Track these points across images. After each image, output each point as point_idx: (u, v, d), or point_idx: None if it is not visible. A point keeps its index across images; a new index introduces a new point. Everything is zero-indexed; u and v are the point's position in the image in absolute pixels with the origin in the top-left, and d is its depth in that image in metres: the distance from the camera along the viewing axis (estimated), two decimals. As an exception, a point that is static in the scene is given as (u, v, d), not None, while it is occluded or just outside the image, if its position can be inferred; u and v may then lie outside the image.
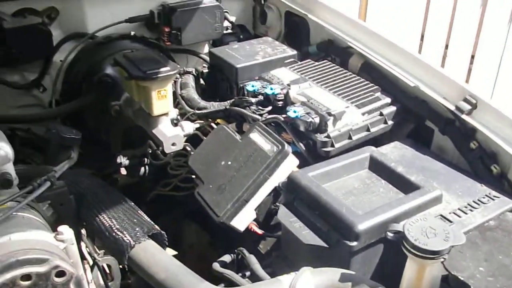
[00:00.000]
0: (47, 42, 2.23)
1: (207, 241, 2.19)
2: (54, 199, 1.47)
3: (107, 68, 2.13)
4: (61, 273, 1.19)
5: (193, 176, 1.93)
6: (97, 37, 2.31)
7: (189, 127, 1.91)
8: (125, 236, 1.43)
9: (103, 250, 1.58)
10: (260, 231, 1.65)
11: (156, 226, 1.51)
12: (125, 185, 2.23)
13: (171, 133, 1.85)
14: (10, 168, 1.44)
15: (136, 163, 2.20)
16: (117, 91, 2.09)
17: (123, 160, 2.16)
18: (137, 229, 1.46)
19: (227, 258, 1.63)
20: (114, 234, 1.45)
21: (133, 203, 1.59)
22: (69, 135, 1.67)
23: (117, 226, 1.46)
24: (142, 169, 2.22)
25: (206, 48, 2.58)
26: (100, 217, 1.51)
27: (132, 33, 2.30)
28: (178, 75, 2.10)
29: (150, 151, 2.16)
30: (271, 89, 1.87)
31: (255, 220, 1.66)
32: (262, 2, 2.52)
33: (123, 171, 2.21)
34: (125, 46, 2.24)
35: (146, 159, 2.20)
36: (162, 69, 1.79)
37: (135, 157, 2.20)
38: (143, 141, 2.15)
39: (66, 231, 1.31)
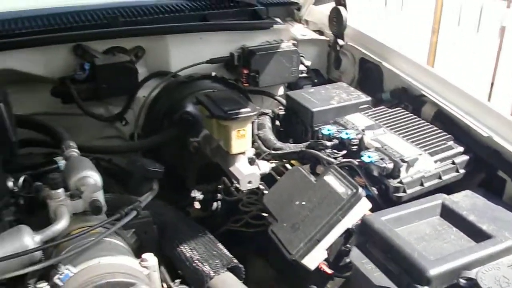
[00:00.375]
0: (133, 79, 2.38)
1: (274, 277, 2.23)
2: (138, 228, 1.57)
3: (188, 106, 2.24)
4: (145, 298, 1.27)
5: (264, 214, 2.01)
6: (179, 76, 2.43)
7: (265, 166, 1.97)
8: (205, 267, 1.50)
9: (179, 280, 1.65)
10: (329, 271, 1.68)
11: (235, 260, 1.57)
12: (197, 218, 2.30)
13: (248, 171, 1.92)
14: (100, 196, 1.54)
15: (209, 198, 2.29)
16: (196, 128, 2.18)
17: (197, 194, 2.25)
18: (216, 261, 1.53)
19: (295, 295, 1.68)
20: (194, 264, 1.52)
21: (212, 236, 1.67)
22: (153, 168, 1.76)
23: (198, 257, 1.54)
24: (215, 204, 2.31)
25: (281, 90, 2.67)
26: (181, 247, 1.59)
27: (213, 73, 2.40)
28: (256, 116, 2.16)
29: (223, 187, 2.23)
30: (347, 133, 1.92)
31: (325, 260, 1.69)
32: (338, 48, 2.59)
33: (197, 205, 2.29)
34: (206, 85, 2.35)
35: (219, 195, 2.28)
36: (243, 110, 1.87)
37: (208, 192, 2.29)
38: (217, 177, 2.22)
39: (150, 258, 1.39)
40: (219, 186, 2.26)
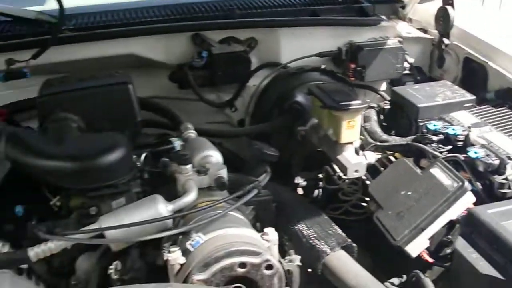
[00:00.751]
0: (246, 68, 2.54)
1: (369, 264, 2.32)
2: (258, 205, 1.71)
3: (298, 96, 2.36)
4: (269, 267, 1.39)
5: (363, 204, 2.12)
6: (290, 67, 2.56)
7: (372, 157, 2.06)
8: (322, 245, 1.62)
9: (289, 257, 1.78)
10: (430, 259, 1.76)
11: (348, 239, 1.68)
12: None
13: (355, 160, 2.01)
14: (224, 173, 1.68)
15: (311, 185, 2.39)
16: (304, 117, 2.29)
17: (300, 181, 2.36)
18: (332, 239, 1.65)
19: (395, 280, 1.77)
20: (311, 241, 1.65)
21: (327, 217, 1.78)
22: (268, 151, 1.89)
23: (314, 235, 1.66)
24: (316, 191, 2.41)
25: (383, 86, 2.75)
26: (298, 225, 1.72)
27: (323, 66, 2.51)
28: (363, 109, 2.25)
29: (325, 176, 2.33)
30: (453, 129, 1.98)
31: (427, 248, 1.76)
32: (442, 47, 2.63)
33: (300, 191, 2.40)
34: (315, 78, 2.46)
35: (321, 183, 2.38)
36: (354, 102, 1.97)
37: (311, 179, 2.39)
38: (320, 166, 2.33)
39: (271, 232, 1.52)
40: (321, 174, 2.35)
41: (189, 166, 1.65)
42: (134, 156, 1.85)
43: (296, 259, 1.55)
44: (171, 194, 1.63)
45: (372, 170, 2.10)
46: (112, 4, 2.73)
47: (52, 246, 1.49)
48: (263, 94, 2.56)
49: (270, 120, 2.45)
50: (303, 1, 2.80)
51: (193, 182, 1.63)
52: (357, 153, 2.07)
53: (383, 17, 2.74)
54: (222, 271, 1.36)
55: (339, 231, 1.73)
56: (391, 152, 2.13)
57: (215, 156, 1.76)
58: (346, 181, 2.22)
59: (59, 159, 1.68)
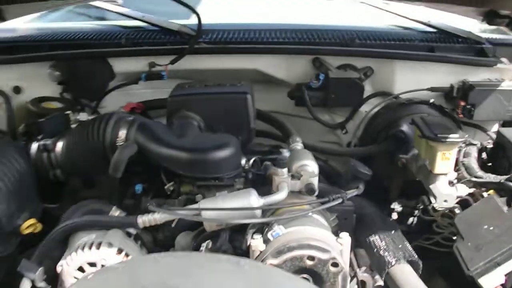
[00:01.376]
0: (359, 94, 2.67)
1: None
2: (340, 213, 1.87)
3: (403, 126, 2.47)
4: (335, 264, 1.55)
5: (454, 237, 2.18)
6: (400, 98, 2.66)
7: (463, 190, 2.14)
8: (389, 256, 1.76)
9: (365, 267, 1.92)
10: (505, 296, 1.81)
11: (415, 255, 1.80)
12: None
13: (446, 191, 2.11)
14: (315, 181, 1.87)
15: (407, 212, 2.48)
16: (406, 147, 2.41)
17: (397, 206, 2.47)
18: (400, 252, 1.78)
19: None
20: (381, 252, 1.79)
21: (401, 234, 1.91)
22: (362, 170, 2.04)
23: (385, 247, 1.80)
24: (411, 219, 2.51)
25: (495, 127, 2.77)
26: (374, 237, 1.86)
27: (431, 100, 2.61)
28: (464, 144, 2.33)
29: (421, 206, 2.42)
30: (548, 176, 2.02)
31: (502, 285, 1.81)
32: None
33: (394, 215, 2.50)
34: (422, 110, 2.54)
35: (416, 211, 2.48)
36: (451, 135, 2.06)
37: (407, 207, 2.49)
38: (417, 195, 2.41)
39: (346, 237, 1.68)
40: (417, 204, 2.44)
41: (284, 170, 1.85)
42: (244, 159, 2.06)
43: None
44: (266, 193, 1.83)
45: (465, 205, 2.17)
46: (243, 24, 2.95)
47: (157, 217, 1.75)
48: (372, 121, 2.66)
49: (376, 145, 2.57)
50: (422, 37, 2.87)
51: (286, 184, 1.83)
52: (450, 184, 2.16)
53: (504, 59, 2.75)
54: (292, 260, 1.54)
55: (409, 247, 1.85)
56: (485, 189, 2.19)
57: (311, 166, 1.93)
58: (440, 212, 2.30)
59: (177, 149, 1.93)
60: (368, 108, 2.70)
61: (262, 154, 2.25)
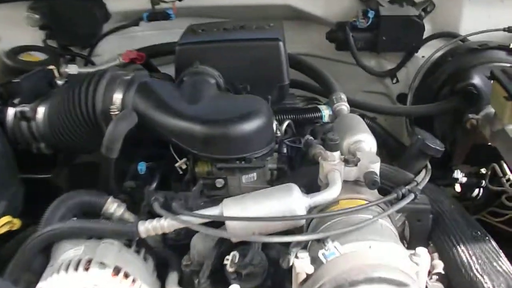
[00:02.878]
0: (417, 36, 2.23)
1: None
2: (412, 214, 1.40)
3: (475, 78, 2.00)
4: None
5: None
6: (469, 41, 2.19)
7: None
8: (486, 282, 1.28)
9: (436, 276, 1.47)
10: None
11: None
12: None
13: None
14: (377, 168, 1.38)
15: (473, 182, 2.07)
16: (478, 104, 1.96)
17: (460, 176, 2.04)
18: (500, 278, 1.30)
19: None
20: (471, 273, 1.31)
21: (495, 244, 1.44)
22: (434, 145, 1.57)
23: (477, 267, 1.32)
24: (476, 190, 2.09)
25: None
26: (458, 248, 1.39)
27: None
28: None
29: (490, 174, 2.01)
30: None
31: None
32: None
33: (457, 187, 2.09)
34: (499, 58, 2.07)
35: (483, 181, 2.04)
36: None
37: (472, 175, 2.07)
38: (487, 162, 2.01)
39: (423, 255, 1.21)
40: (486, 171, 2.04)
41: (337, 153, 1.37)
42: (275, 123, 1.67)
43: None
44: (311, 182, 1.42)
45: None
46: None
47: (164, 224, 1.33)
48: (433, 69, 2.21)
49: (437, 101, 2.12)
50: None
51: (338, 174, 1.35)
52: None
53: None
54: (357, 299, 1.10)
55: (510, 268, 1.37)
56: None
57: (368, 142, 1.48)
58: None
59: (189, 120, 1.54)
60: (427, 53, 2.24)
61: (296, 112, 1.89)
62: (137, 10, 2.23)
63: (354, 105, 1.97)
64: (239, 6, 2.27)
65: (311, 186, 1.40)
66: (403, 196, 1.33)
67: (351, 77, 2.35)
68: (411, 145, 1.63)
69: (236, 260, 1.32)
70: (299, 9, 2.30)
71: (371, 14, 2.15)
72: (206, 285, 1.36)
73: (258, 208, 1.28)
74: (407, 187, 1.36)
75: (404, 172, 1.51)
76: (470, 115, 1.94)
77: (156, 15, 2.20)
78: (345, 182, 1.38)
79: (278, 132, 1.71)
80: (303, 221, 1.30)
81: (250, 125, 1.51)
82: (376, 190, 1.39)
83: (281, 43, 1.75)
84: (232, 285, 1.27)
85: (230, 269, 1.33)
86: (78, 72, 2.04)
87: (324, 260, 1.18)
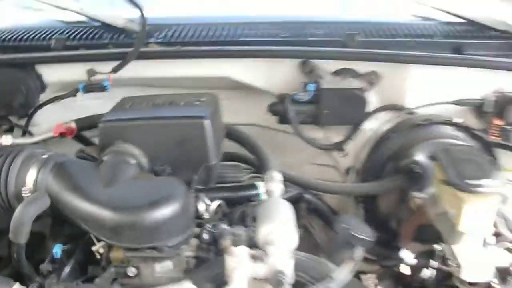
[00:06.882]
0: (361, 109, 2.10)
1: None
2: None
3: (419, 155, 1.91)
4: None
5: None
6: (416, 115, 2.09)
7: (503, 257, 1.56)
8: None
9: None
10: None
11: None
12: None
13: (476, 259, 1.54)
14: (288, 267, 1.27)
15: (421, 264, 1.92)
16: (423, 183, 1.85)
17: (407, 256, 1.91)
18: None
19: None
20: None
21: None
22: (360, 234, 1.46)
23: None
24: (427, 272, 1.94)
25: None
26: None
27: (460, 120, 2.03)
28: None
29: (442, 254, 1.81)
30: None
31: None
32: None
33: (404, 268, 1.93)
34: (445, 134, 1.99)
35: (434, 262, 1.91)
36: (486, 182, 1.50)
37: (422, 255, 1.93)
38: (437, 240, 1.81)
39: None
40: (437, 249, 1.83)
41: (241, 249, 1.27)
42: (205, 204, 1.60)
43: None
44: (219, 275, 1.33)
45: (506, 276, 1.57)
46: (208, 17, 2.45)
47: None
48: (380, 143, 2.11)
49: (381, 176, 2.04)
50: (446, 32, 2.29)
51: (242, 272, 1.25)
52: (485, 247, 1.59)
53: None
54: None
55: None
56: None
57: (284, 233, 1.35)
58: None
59: (98, 206, 1.43)
60: (374, 125, 2.15)
61: (233, 190, 1.82)
62: (74, 81, 2.13)
63: (292, 181, 1.88)
64: (177, 78, 2.17)
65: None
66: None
67: (298, 149, 2.22)
68: (337, 234, 1.52)
69: None
70: (239, 81, 2.19)
71: (311, 87, 2.05)
72: None
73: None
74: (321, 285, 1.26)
75: (325, 262, 1.41)
76: (415, 194, 1.85)
77: (93, 87, 2.10)
78: (254, 280, 1.28)
79: (207, 214, 1.60)
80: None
81: (161, 213, 1.39)
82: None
83: (206, 122, 1.62)
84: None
85: None
86: (11, 143, 1.93)
87: None
